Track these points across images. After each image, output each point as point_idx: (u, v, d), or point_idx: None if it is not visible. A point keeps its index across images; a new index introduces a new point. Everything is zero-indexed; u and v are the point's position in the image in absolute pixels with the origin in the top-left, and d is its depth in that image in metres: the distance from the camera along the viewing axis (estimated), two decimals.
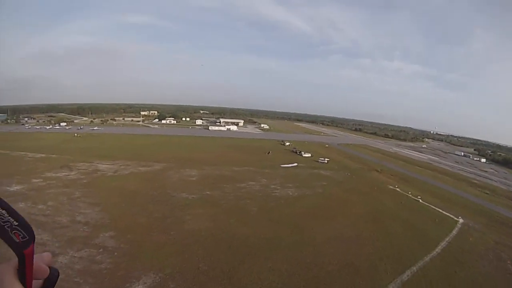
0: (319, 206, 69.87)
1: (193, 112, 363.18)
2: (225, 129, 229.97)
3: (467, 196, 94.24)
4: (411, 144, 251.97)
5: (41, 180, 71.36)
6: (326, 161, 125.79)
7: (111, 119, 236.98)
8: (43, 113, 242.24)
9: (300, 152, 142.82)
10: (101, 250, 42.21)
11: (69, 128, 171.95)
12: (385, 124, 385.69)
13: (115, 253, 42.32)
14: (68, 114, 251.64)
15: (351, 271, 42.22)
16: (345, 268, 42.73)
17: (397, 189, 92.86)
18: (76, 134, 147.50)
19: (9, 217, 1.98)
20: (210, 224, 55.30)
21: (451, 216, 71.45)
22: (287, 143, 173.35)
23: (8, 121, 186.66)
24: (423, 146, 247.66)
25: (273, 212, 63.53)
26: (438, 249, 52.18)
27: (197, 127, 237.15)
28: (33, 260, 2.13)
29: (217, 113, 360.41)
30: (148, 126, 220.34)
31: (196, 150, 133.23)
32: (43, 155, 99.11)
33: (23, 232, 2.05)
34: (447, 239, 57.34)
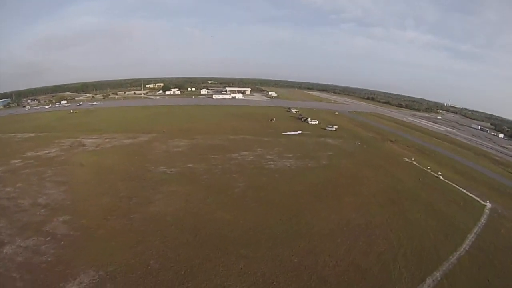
0: (323, 182, 57.06)
1: (201, 83, 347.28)
2: (230, 98, 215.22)
3: (491, 174, 78.10)
4: (426, 114, 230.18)
5: (20, 160, 64.61)
6: (334, 129, 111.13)
7: (112, 94, 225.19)
8: (49, 94, 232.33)
9: (306, 119, 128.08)
10: (49, 238, 36.13)
11: (68, 106, 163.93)
12: (397, 95, 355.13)
13: (62, 242, 35.40)
14: (73, 92, 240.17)
15: (354, 277, 30.26)
16: (346, 272, 30.75)
17: (414, 162, 78.29)
18: (72, 111, 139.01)
19: None
20: (181, 205, 44.25)
21: (477, 199, 56.54)
22: (294, 110, 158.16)
23: (10, 105, 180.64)
24: (438, 117, 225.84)
25: (264, 190, 51.33)
26: (466, 245, 39.28)
27: (200, 96, 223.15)
28: None
29: (226, 83, 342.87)
30: (150, 98, 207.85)
31: (193, 119, 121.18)
32: (32, 134, 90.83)
33: None
34: (475, 229, 43.94)
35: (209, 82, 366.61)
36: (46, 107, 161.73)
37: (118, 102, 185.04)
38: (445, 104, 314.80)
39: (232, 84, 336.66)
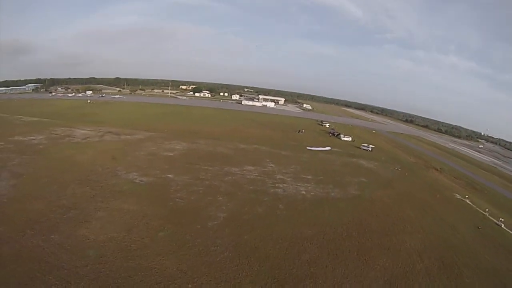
0: (347, 225, 37.49)
1: (237, 89, 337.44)
2: (260, 105, 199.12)
3: None
4: (467, 142, 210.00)
5: (2, 143, 57.74)
6: (370, 149, 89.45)
7: (140, 89, 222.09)
8: (83, 84, 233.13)
9: (338, 134, 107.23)
10: None
11: (90, 96, 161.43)
12: (434, 120, 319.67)
13: None
14: (106, 85, 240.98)
15: None
16: None
17: (467, 201, 56.01)
18: (89, 101, 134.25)
19: None
20: (119, 235, 28.56)
21: None
22: (327, 124, 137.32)
23: (39, 89, 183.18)
24: (480, 146, 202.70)
25: (252, 229, 33.03)
26: None
27: (230, 101, 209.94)
28: None
29: (262, 93, 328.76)
30: (176, 98, 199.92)
31: (208, 121, 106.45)
32: (35, 119, 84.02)
33: None
34: None
35: (245, 89, 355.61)
36: (70, 95, 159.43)
37: (142, 98, 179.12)
38: (482, 134, 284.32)
39: (268, 94, 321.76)
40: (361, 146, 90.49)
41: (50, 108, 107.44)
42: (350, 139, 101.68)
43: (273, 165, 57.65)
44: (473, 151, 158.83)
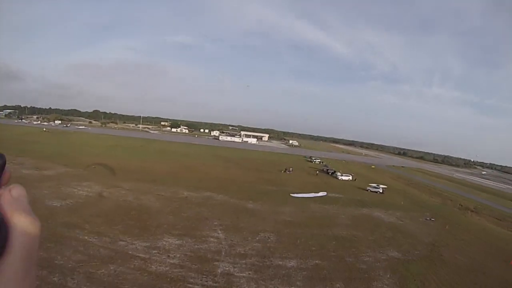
0: None
1: (222, 127, 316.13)
2: (240, 141, 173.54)
3: None
4: (468, 170, 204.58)
5: None
6: (381, 190, 62.23)
7: (111, 122, 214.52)
8: (64, 115, 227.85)
9: (334, 172, 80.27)
10: None
11: (55, 125, 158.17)
12: (424, 152, 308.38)
13: None
14: (86, 118, 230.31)
15: None
16: None
17: None
18: (44, 129, 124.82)
19: None
20: None
21: None
22: (317, 160, 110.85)
23: (12, 116, 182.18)
24: (483, 172, 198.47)
25: None
26: None
27: (206, 137, 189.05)
28: None
29: (248, 131, 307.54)
30: (148, 131, 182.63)
31: (164, 157, 79.09)
32: None
33: None
34: None
35: (230, 127, 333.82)
36: (34, 122, 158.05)
37: (109, 130, 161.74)
38: (472, 160, 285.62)
39: (254, 131, 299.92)
40: (368, 188, 63.07)
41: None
42: (350, 177, 74.56)
43: (222, 235, 28.71)
44: (481, 179, 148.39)
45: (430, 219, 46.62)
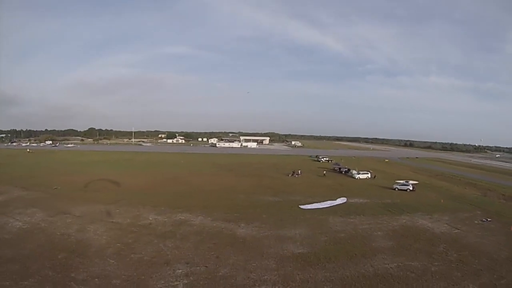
0: None
1: (223, 135, 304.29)
2: (239, 146, 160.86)
3: None
4: (480, 155, 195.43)
5: None
6: (411, 187, 49.24)
7: (104, 138, 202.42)
8: (60, 136, 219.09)
9: (348, 170, 67.15)
10: None
11: (44, 146, 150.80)
12: (431, 142, 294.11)
13: None
14: (83, 136, 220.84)
15: None
16: None
17: None
18: (28, 150, 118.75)
19: None
20: None
21: None
22: (325, 159, 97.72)
23: (3, 139, 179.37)
24: (497, 155, 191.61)
25: None
26: None
27: (203, 145, 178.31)
28: None
29: (248, 136, 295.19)
30: (140, 145, 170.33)
31: (149, 169, 67.31)
32: None
33: None
34: None
35: (230, 134, 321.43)
36: (23, 144, 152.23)
37: (99, 146, 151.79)
38: (478, 145, 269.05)
39: (254, 136, 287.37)
40: (396, 186, 50.02)
41: None
42: (369, 175, 61.53)
43: None
44: (499, 162, 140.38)
45: (487, 220, 34.81)
